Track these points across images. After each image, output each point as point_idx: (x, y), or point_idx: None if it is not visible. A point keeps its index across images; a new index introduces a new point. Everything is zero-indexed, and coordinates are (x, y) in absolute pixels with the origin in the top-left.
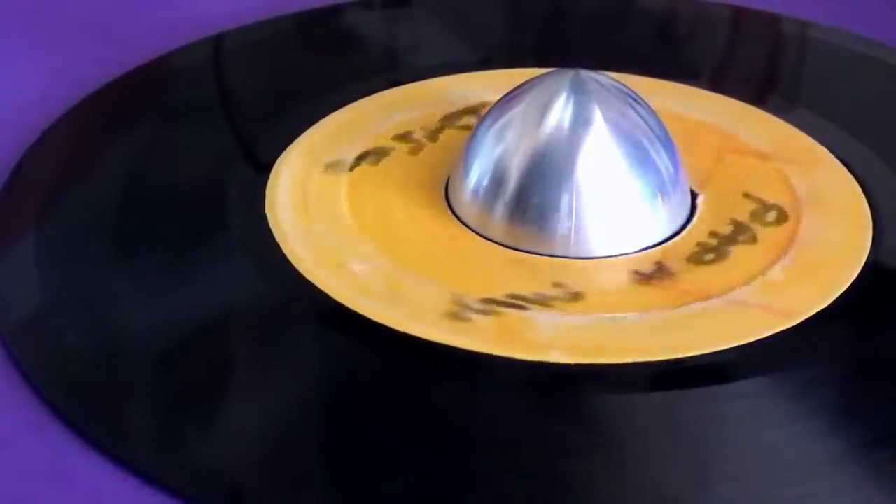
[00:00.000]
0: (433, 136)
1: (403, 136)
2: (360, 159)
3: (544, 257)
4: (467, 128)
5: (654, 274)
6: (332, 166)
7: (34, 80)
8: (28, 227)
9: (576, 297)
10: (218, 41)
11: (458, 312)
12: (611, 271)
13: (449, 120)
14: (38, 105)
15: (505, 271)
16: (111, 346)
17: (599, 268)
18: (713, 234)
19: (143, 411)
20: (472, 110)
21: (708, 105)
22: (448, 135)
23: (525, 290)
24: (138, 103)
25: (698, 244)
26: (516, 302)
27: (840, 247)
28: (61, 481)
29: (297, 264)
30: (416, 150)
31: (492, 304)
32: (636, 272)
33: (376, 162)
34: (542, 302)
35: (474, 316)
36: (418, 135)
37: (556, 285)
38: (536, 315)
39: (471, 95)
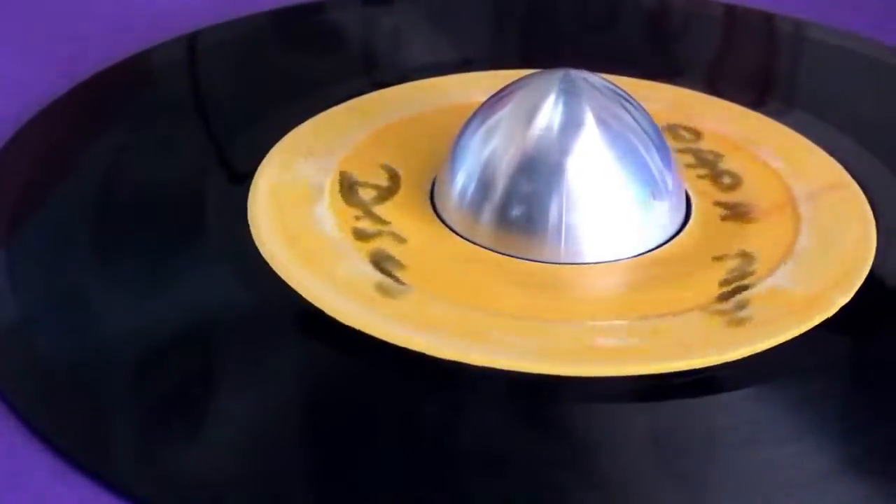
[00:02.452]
0: (418, 139)
1: (387, 139)
2: (342, 162)
3: (534, 263)
4: (454, 130)
5: (660, 277)
6: (314, 170)
7: (3, 81)
8: (0, 232)
9: (577, 303)
10: (194, 39)
11: (444, 320)
12: (603, 277)
13: (434, 122)
14: (7, 107)
15: (493, 277)
16: (86, 355)
17: (591, 273)
18: (711, 235)
19: (119, 423)
20: (458, 112)
21: (702, 106)
22: (433, 137)
23: (514, 296)
24: (114, 104)
25: (696, 248)
26: (505, 309)
27: (842, 250)
28: (35, 498)
29: (278, 270)
30: (400, 153)
31: (479, 311)
32: (640, 276)
33: (359, 165)
34: (533, 308)
35: (463, 323)
36: (402, 138)
37: (547, 291)
38: (528, 322)
39: (457, 97)
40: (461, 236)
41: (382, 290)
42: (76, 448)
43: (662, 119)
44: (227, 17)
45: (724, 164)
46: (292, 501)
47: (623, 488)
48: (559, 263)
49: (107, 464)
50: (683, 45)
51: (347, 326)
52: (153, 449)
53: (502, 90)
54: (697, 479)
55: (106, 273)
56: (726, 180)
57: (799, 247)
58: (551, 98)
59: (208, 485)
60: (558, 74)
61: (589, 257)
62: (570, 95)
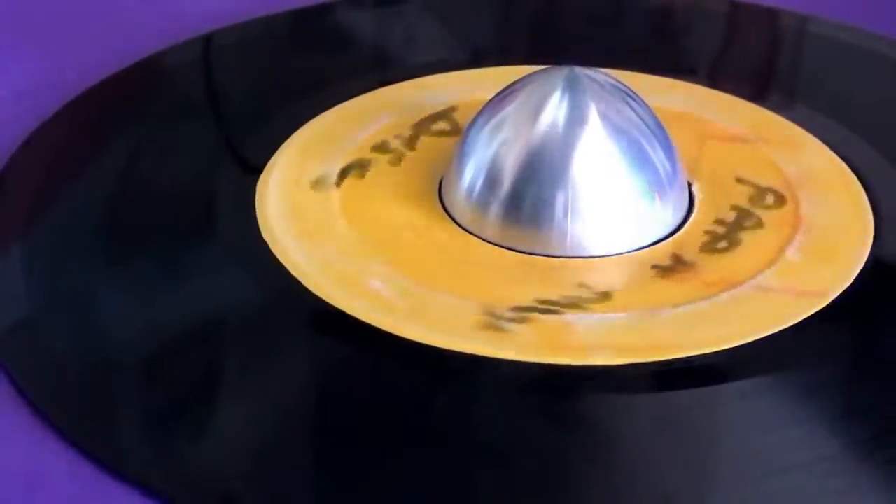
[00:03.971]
0: (426, 136)
1: (396, 137)
2: (351, 160)
3: (542, 257)
4: (459, 128)
5: (670, 268)
6: (324, 168)
7: (20, 82)
8: (16, 231)
9: (592, 296)
10: (207, 41)
11: (454, 315)
12: (612, 269)
13: (440, 120)
14: (24, 107)
15: (500, 272)
16: (100, 352)
17: (598, 266)
18: (712, 228)
19: (133, 418)
20: (463, 109)
21: (705, 101)
22: (440, 135)
23: (521, 290)
24: (126, 105)
25: (698, 241)
26: (513, 303)
27: (845, 230)
28: (50, 489)
29: (289, 268)
30: (409, 149)
31: (488, 305)
32: (652, 267)
33: (367, 163)
34: (543, 302)
35: (473, 317)
36: (410, 135)
37: (560, 286)
38: (535, 315)
39: (463, 94)
40: (469, 231)
41: (393, 285)
42: (91, 441)
43: (662, 114)
44: (241, 19)
45: (724, 157)
46: (305, 497)
47: (628, 477)
48: (565, 257)
49: (122, 458)
50: (687, 42)
51: (358, 322)
52: (168, 443)
53: (508, 87)
54: (700, 467)
55: (121, 270)
56: (724, 173)
57: (799, 239)
58: (556, 94)
59: (222, 479)
60: (563, 71)
61: (593, 251)
62: (575, 92)
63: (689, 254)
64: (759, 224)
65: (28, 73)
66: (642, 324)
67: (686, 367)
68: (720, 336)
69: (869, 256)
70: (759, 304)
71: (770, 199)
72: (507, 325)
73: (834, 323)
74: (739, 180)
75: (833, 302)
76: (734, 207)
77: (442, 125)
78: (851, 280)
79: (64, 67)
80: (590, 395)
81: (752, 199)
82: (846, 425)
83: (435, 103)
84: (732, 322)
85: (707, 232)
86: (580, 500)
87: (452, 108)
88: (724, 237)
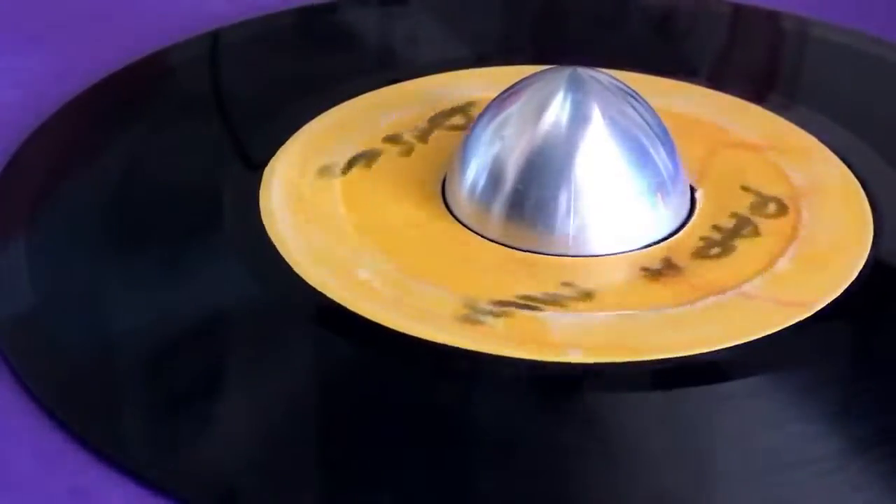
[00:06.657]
0: (428, 134)
1: (398, 135)
2: (354, 158)
3: (543, 256)
4: (463, 126)
5: (662, 270)
6: (327, 165)
7: (26, 77)
8: (20, 226)
9: (584, 295)
10: (213, 38)
11: (465, 314)
12: (611, 269)
13: (445, 118)
14: (29, 102)
15: (503, 271)
16: (104, 347)
17: (599, 265)
18: (714, 228)
19: (136, 412)
20: (468, 108)
21: (706, 102)
22: (444, 133)
23: (525, 289)
24: (132, 101)
25: (699, 241)
26: (514, 300)
27: (841, 241)
28: (52, 482)
29: (292, 265)
30: (412, 148)
31: (500, 306)
32: (644, 269)
33: (371, 160)
34: (548, 301)
35: (483, 317)
36: (413, 133)
37: (559, 284)
38: (537, 313)
39: (467, 93)
40: (472, 230)
41: (394, 281)
42: (94, 434)
43: (664, 115)
44: (248, 16)
45: (725, 158)
46: (307, 489)
47: (628, 473)
48: (567, 256)
49: (125, 452)
50: (690, 43)
51: (360, 318)
52: (170, 437)
53: (512, 87)
54: (699, 465)
55: (125, 265)
56: (726, 173)
57: (793, 249)
58: (560, 95)
59: (223, 472)
60: (566, 72)
61: (596, 249)
62: (578, 92)
63: (681, 258)
64: (756, 233)
65: (35, 69)
66: (620, 324)
67: (660, 369)
68: (695, 340)
69: (868, 258)
70: (741, 311)
71: (772, 208)
72: (483, 318)
73: (833, 323)
74: (744, 188)
75: (832, 303)
76: (733, 215)
77: (456, 120)
78: (851, 280)
79: (70, 63)
80: (587, 391)
81: (753, 208)
82: (836, 429)
83: (444, 101)
84: (710, 327)
85: (702, 238)
86: (551, 495)
87: (469, 104)
88: (719, 244)
